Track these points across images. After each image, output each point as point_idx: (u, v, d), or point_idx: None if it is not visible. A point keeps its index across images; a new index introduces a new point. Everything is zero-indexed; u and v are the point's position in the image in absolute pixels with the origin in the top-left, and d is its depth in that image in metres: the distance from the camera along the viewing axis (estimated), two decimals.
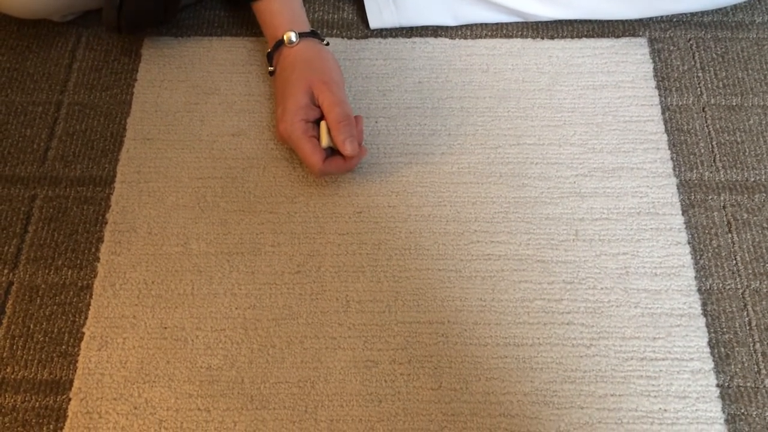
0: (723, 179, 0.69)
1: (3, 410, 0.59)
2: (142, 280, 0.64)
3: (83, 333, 0.61)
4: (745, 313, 0.62)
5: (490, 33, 0.78)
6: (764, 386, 0.59)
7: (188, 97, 0.74)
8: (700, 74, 0.76)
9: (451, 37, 0.78)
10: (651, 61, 0.76)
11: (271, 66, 0.70)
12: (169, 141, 0.71)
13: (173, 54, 0.77)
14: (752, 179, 0.69)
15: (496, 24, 0.78)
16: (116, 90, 0.75)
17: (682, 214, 0.67)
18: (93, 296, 0.63)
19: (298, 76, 0.65)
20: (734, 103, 0.74)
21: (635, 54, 0.76)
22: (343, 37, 0.78)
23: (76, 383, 0.59)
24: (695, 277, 0.64)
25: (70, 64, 0.77)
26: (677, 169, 0.70)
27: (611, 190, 0.68)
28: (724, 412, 0.58)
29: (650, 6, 0.75)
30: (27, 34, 0.79)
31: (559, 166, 0.70)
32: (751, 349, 0.61)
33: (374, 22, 0.77)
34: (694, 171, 0.70)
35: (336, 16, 0.79)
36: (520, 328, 0.61)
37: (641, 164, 0.69)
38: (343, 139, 0.63)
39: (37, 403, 0.59)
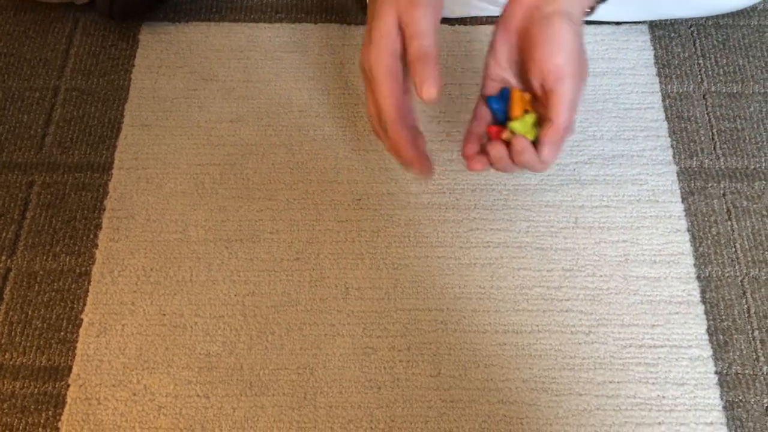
0: (723, 167, 0.69)
1: (2, 396, 0.59)
2: (141, 267, 0.63)
3: (82, 319, 0.61)
4: (743, 301, 0.62)
5: (490, 19, 0.77)
6: (762, 373, 0.59)
7: (186, 83, 0.74)
8: (700, 61, 0.75)
9: (451, 24, 0.77)
10: (652, 47, 0.76)
11: None
12: (167, 127, 0.71)
13: (171, 40, 0.76)
14: (752, 167, 0.69)
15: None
16: (114, 76, 0.75)
17: (682, 202, 0.67)
18: (91, 283, 0.63)
19: None
20: (735, 91, 0.73)
21: (636, 41, 0.76)
22: (340, 23, 0.77)
23: (74, 370, 0.59)
24: (694, 264, 0.64)
25: (68, 49, 0.76)
26: (677, 157, 0.70)
27: (611, 177, 0.68)
28: (722, 398, 0.58)
29: (654, 11, 0.74)
30: (24, 19, 0.78)
31: None
32: (750, 336, 0.61)
33: None
34: (694, 158, 0.70)
35: (333, 2, 0.79)
36: (519, 316, 0.61)
37: (641, 152, 0.69)
38: (419, 81, 0.51)
39: (36, 390, 0.59)
